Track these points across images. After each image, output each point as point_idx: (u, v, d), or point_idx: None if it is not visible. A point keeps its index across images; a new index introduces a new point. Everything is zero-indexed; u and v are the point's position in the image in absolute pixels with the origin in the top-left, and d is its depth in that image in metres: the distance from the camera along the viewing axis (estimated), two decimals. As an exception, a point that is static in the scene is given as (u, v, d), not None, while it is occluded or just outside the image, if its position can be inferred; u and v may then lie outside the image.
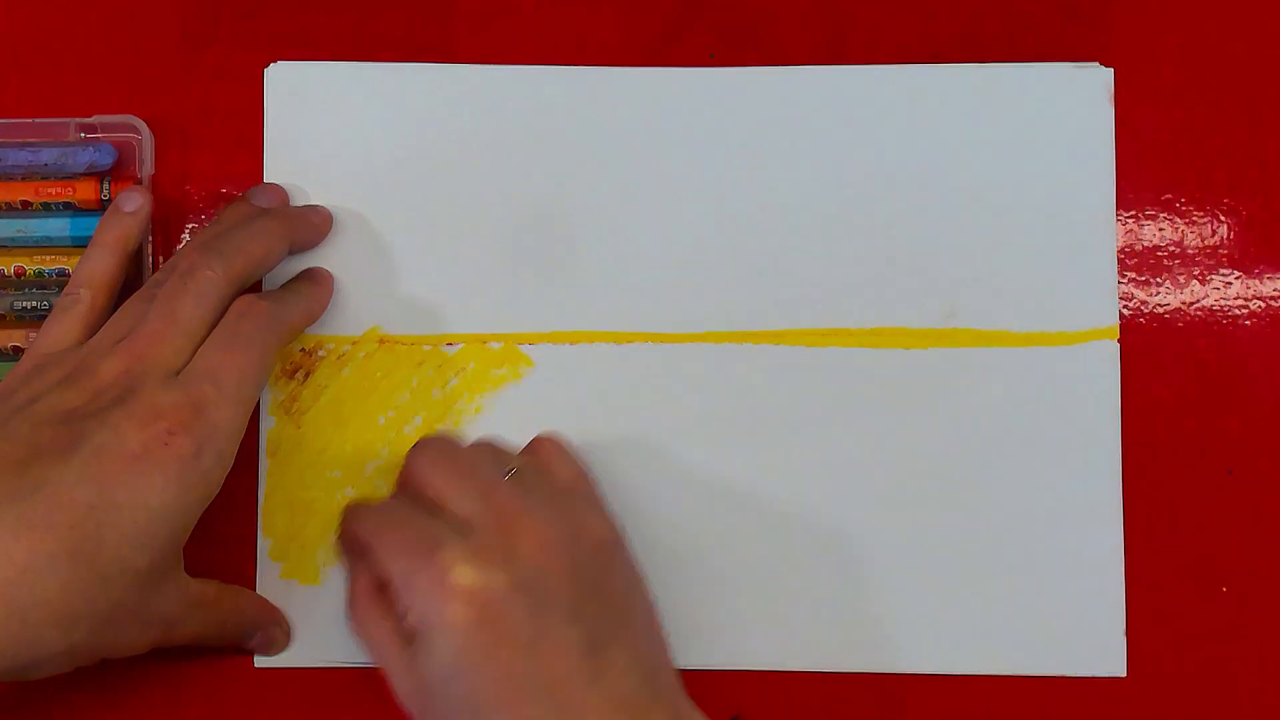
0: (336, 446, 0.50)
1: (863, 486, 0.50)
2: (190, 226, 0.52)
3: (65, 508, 0.41)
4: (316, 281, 0.50)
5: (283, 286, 0.50)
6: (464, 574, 0.42)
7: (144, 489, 0.42)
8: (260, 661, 0.50)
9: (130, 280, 0.49)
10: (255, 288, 0.49)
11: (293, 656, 0.50)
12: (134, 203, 0.49)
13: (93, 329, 0.47)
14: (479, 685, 0.41)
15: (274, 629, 0.49)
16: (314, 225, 0.50)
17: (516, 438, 0.49)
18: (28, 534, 0.40)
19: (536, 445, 0.49)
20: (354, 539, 0.46)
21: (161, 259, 0.51)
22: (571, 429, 0.50)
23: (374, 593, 0.45)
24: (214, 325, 0.45)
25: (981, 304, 0.51)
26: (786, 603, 0.50)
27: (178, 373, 0.44)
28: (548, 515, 0.44)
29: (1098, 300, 0.51)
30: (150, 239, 0.50)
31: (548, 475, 0.47)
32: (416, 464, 0.46)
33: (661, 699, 0.43)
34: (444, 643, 0.42)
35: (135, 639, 0.44)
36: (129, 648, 0.44)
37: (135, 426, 0.42)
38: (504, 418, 0.50)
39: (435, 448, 0.46)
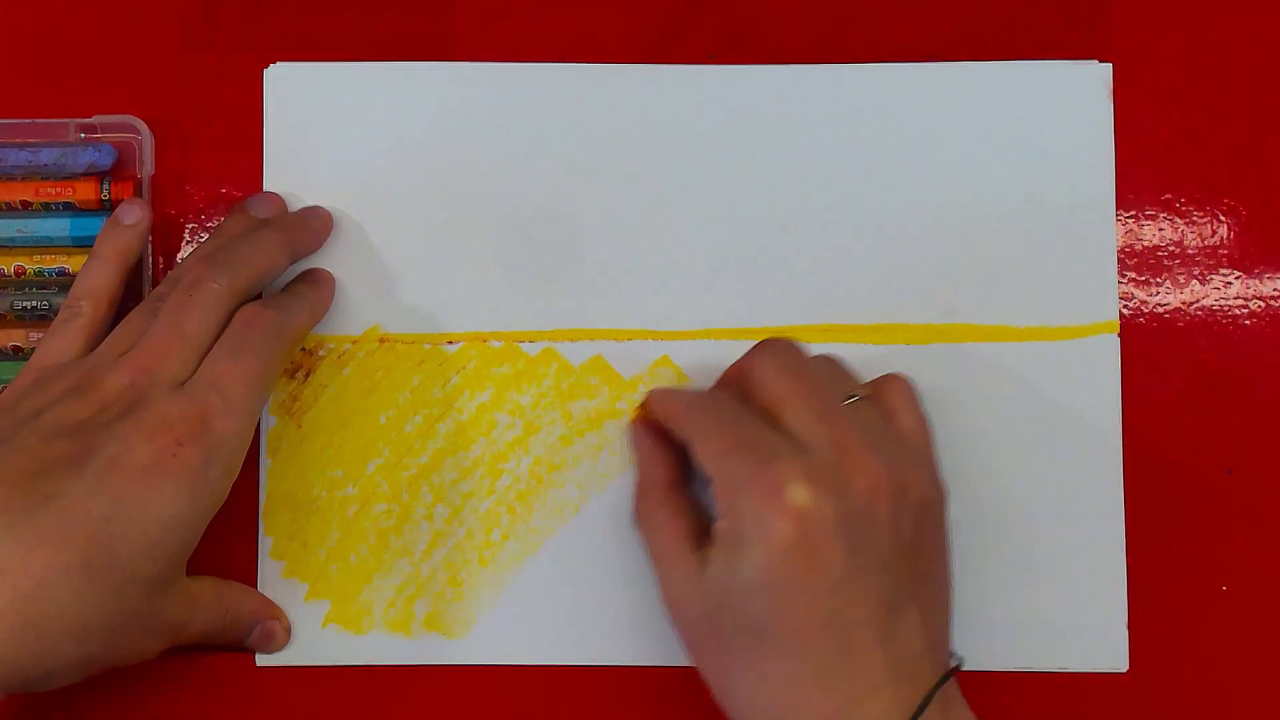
0: (337, 445, 0.50)
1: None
2: (190, 227, 0.52)
3: (79, 520, 0.41)
4: (318, 284, 0.50)
5: (284, 289, 0.50)
6: (798, 493, 0.41)
7: (155, 501, 0.42)
8: (261, 660, 0.50)
9: (130, 290, 0.49)
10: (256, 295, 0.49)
11: (293, 656, 0.50)
12: (134, 215, 0.49)
13: (94, 341, 0.47)
14: (777, 606, 0.41)
15: (273, 623, 0.49)
16: (314, 231, 0.50)
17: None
18: (43, 547, 0.41)
19: (885, 383, 0.46)
20: (661, 425, 0.46)
21: (161, 261, 0.51)
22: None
23: (667, 487, 0.45)
24: (217, 332, 0.46)
25: (982, 300, 0.51)
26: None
27: (179, 383, 0.44)
28: (883, 459, 0.43)
29: (1098, 294, 0.51)
30: (150, 241, 0.50)
31: (890, 417, 0.45)
32: (758, 366, 0.45)
33: (936, 673, 0.43)
34: (758, 555, 0.41)
35: (145, 647, 0.44)
36: (139, 655, 0.44)
37: (145, 439, 0.42)
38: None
39: (782, 353, 0.45)
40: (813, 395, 0.44)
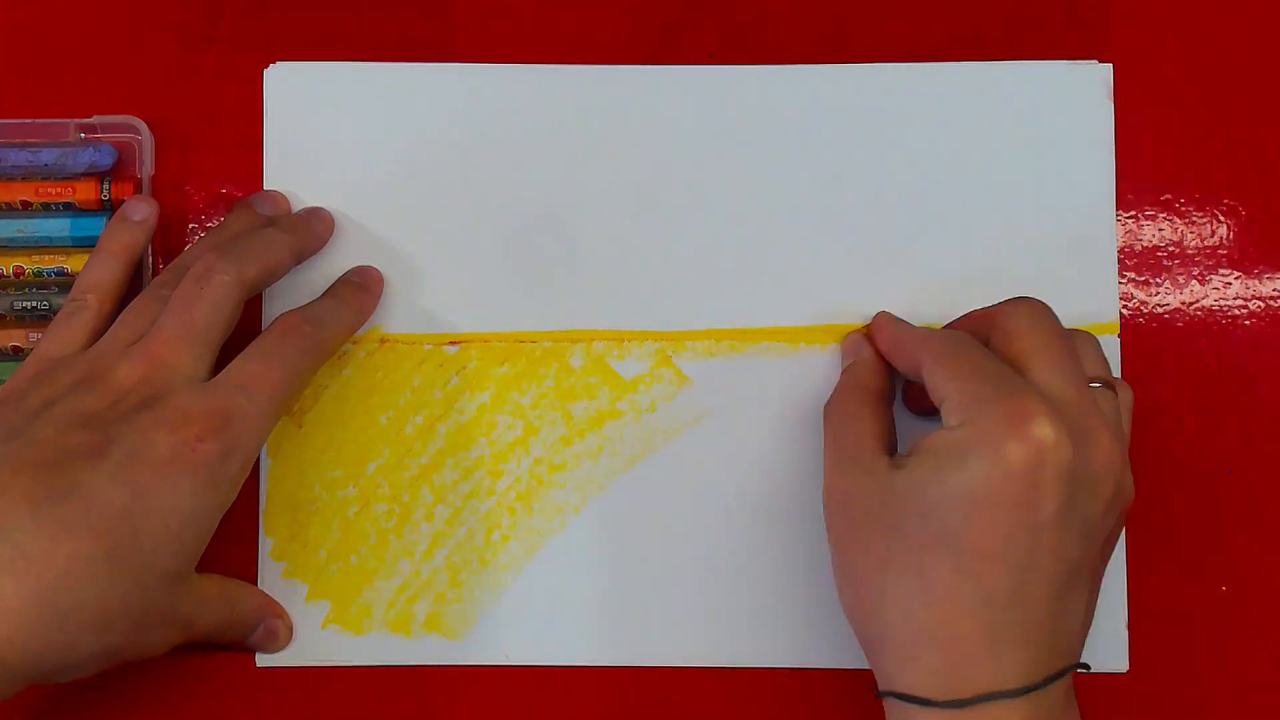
0: (338, 446, 0.50)
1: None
2: (190, 227, 0.52)
3: (101, 511, 0.41)
4: (365, 289, 0.50)
5: (329, 292, 0.50)
6: (1043, 428, 0.41)
7: (174, 493, 0.42)
8: (261, 661, 0.50)
9: (131, 289, 0.49)
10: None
11: (293, 657, 0.50)
12: (141, 212, 0.49)
13: (98, 335, 0.47)
14: (977, 522, 0.41)
15: (275, 622, 0.49)
16: (317, 234, 0.50)
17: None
18: (68, 537, 0.41)
19: (1122, 387, 0.46)
20: (887, 346, 0.47)
21: (161, 260, 0.51)
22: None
23: (874, 395, 0.46)
24: (228, 330, 0.46)
25: (983, 299, 0.51)
26: (790, 601, 0.50)
27: (198, 378, 0.45)
28: (1118, 446, 0.43)
29: (1098, 294, 0.51)
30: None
31: (1121, 418, 0.45)
32: (1012, 317, 0.45)
33: (1074, 657, 0.43)
34: (980, 469, 0.41)
35: (160, 640, 0.45)
36: (152, 648, 0.44)
37: (165, 432, 0.43)
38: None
39: (1042, 313, 0.45)
40: (1063, 358, 0.44)
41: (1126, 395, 0.46)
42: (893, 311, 0.50)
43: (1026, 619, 0.41)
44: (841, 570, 0.45)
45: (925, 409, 0.48)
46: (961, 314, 0.49)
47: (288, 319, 0.47)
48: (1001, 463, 0.41)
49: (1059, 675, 0.42)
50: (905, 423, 0.49)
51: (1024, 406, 0.41)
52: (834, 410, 0.47)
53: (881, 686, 0.44)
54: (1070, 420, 0.42)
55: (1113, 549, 0.45)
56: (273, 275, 0.48)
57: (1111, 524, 0.44)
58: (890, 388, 0.48)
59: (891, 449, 0.46)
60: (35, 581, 0.40)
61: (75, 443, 0.42)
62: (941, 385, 0.43)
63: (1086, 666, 0.44)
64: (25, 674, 0.41)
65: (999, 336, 0.45)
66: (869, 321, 0.50)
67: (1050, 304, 0.49)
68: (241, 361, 0.45)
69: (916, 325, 0.49)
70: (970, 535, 0.41)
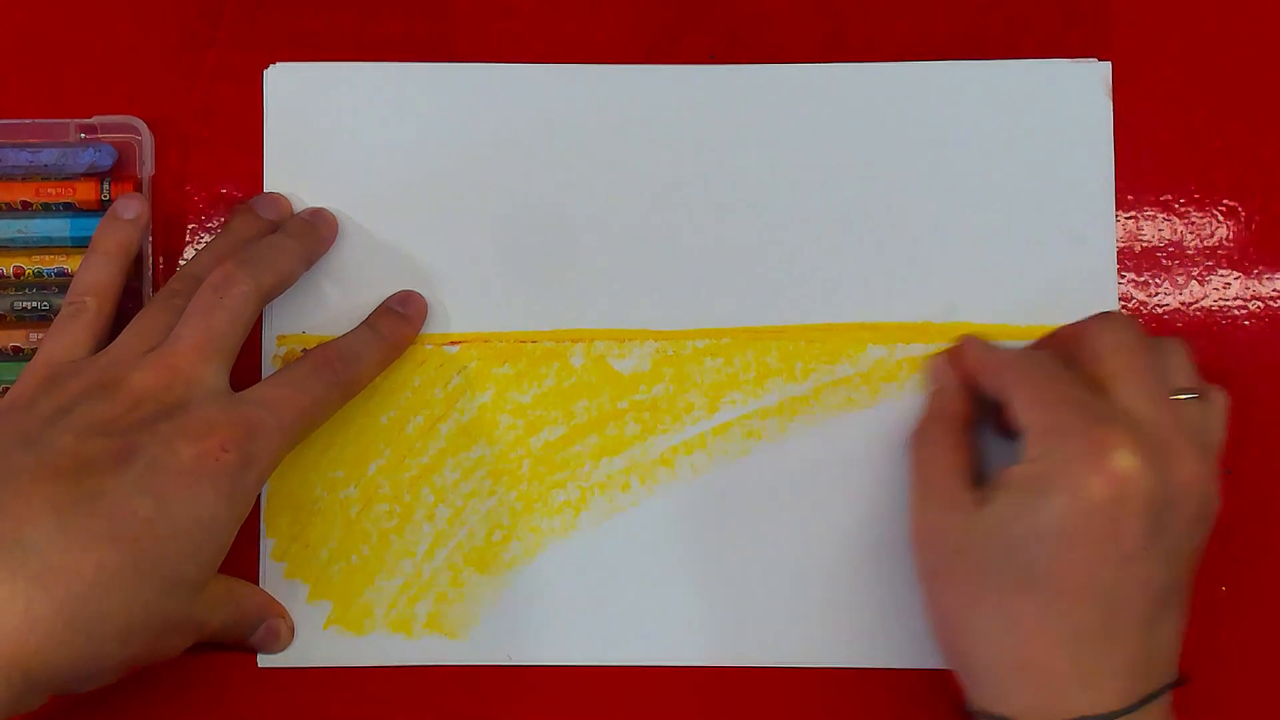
0: (339, 447, 0.50)
1: (865, 482, 0.50)
2: (190, 227, 0.52)
3: (126, 521, 0.41)
4: (406, 320, 0.50)
5: (369, 321, 0.49)
6: (1124, 459, 0.41)
7: (197, 503, 0.42)
8: (263, 662, 0.50)
9: (130, 290, 0.49)
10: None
11: (295, 657, 0.50)
12: (133, 209, 0.49)
13: (100, 337, 0.47)
14: (1061, 559, 0.41)
15: (277, 621, 0.49)
16: (324, 239, 0.50)
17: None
18: (94, 548, 0.41)
19: (1213, 392, 0.46)
20: (967, 371, 0.47)
21: (162, 261, 0.51)
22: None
23: (958, 424, 0.46)
24: (244, 340, 0.46)
25: (982, 298, 0.51)
26: (798, 600, 0.50)
27: (219, 389, 0.45)
28: (1204, 462, 0.43)
29: (1098, 294, 0.51)
30: (150, 241, 0.50)
31: (1209, 421, 0.45)
32: (1097, 336, 0.45)
33: (1170, 677, 0.43)
34: (1062, 505, 0.41)
35: (175, 645, 0.45)
36: (168, 653, 0.45)
37: (188, 441, 0.42)
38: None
39: (1126, 329, 0.45)
40: (1147, 377, 0.44)
41: (1219, 399, 0.46)
42: (892, 311, 0.50)
43: (1118, 649, 0.41)
44: (931, 606, 0.45)
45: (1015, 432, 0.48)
46: (1048, 332, 0.49)
47: (321, 354, 0.47)
48: (1082, 497, 0.41)
49: (1155, 695, 0.42)
50: (990, 446, 0.48)
51: (1104, 437, 0.41)
52: (919, 441, 0.47)
53: (972, 705, 0.44)
54: (1153, 443, 0.42)
55: (1200, 559, 0.45)
56: (286, 283, 0.48)
57: (1199, 540, 0.44)
58: (971, 414, 0.48)
59: (975, 479, 0.45)
60: (63, 593, 0.40)
61: (96, 450, 0.42)
62: (1024, 413, 0.43)
63: (1183, 681, 0.44)
64: (51, 685, 0.41)
65: (1084, 357, 0.45)
66: (954, 343, 0.50)
67: (1050, 303, 0.50)
68: (266, 385, 0.46)
69: (1003, 347, 0.48)
70: (1056, 572, 0.41)
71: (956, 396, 0.48)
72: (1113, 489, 0.41)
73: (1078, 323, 0.47)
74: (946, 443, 0.46)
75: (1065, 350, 0.46)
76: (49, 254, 0.50)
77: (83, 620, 0.40)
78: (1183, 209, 0.52)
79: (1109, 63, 0.51)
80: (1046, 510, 0.41)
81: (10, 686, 0.40)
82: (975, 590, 0.43)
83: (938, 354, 0.50)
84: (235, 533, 0.44)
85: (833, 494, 0.50)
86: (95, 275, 0.48)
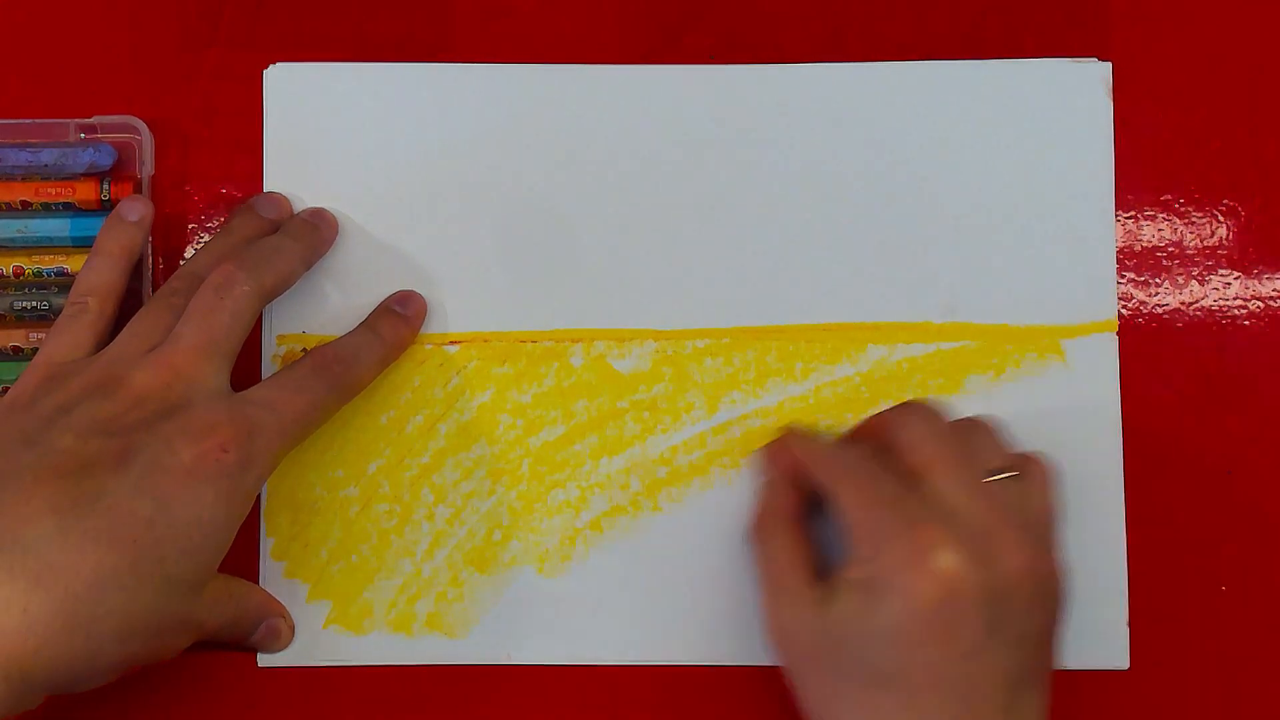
0: (339, 446, 0.50)
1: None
2: (190, 227, 0.52)
3: (126, 521, 0.41)
4: (406, 321, 0.50)
5: (368, 323, 0.49)
6: (946, 558, 0.41)
7: (196, 503, 0.42)
8: (263, 661, 0.50)
9: (130, 290, 0.49)
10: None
11: (294, 657, 0.50)
12: (137, 212, 0.49)
13: (102, 338, 0.47)
14: (907, 661, 0.41)
15: (277, 620, 0.49)
16: (325, 240, 0.50)
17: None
18: (93, 548, 0.41)
19: (1029, 464, 0.46)
20: (792, 464, 0.46)
21: (162, 262, 0.51)
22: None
23: (789, 518, 0.45)
24: (244, 337, 0.46)
25: (981, 298, 0.51)
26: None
27: (220, 389, 0.45)
28: (1029, 542, 0.43)
29: (1097, 294, 0.51)
30: (150, 240, 0.50)
31: (1029, 498, 0.45)
32: (905, 427, 0.45)
33: None
34: (896, 609, 0.41)
35: (175, 645, 0.45)
36: (167, 653, 0.45)
37: (188, 441, 0.42)
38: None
39: (931, 419, 0.45)
40: (961, 466, 0.44)
41: (1037, 471, 0.46)
42: (891, 311, 0.50)
43: None
44: (798, 695, 0.45)
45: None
46: (859, 422, 0.49)
47: (320, 355, 0.47)
48: (913, 601, 0.41)
49: None
50: (832, 531, 0.46)
51: (923, 538, 0.42)
52: (757, 536, 0.47)
53: None
54: (973, 534, 0.42)
55: (1060, 631, 0.45)
56: (286, 284, 0.48)
57: (1044, 619, 0.43)
58: (802, 506, 0.48)
59: (820, 567, 0.45)
60: (62, 592, 0.40)
61: (96, 450, 0.42)
62: (847, 512, 0.44)
63: None
64: (49, 684, 0.41)
65: (897, 448, 0.45)
66: (778, 434, 0.49)
67: (1049, 303, 0.50)
68: (267, 385, 0.46)
69: (822, 439, 0.48)
70: (905, 670, 0.42)
71: (785, 490, 0.48)
72: (941, 590, 0.41)
73: (885, 412, 0.47)
74: (783, 539, 0.46)
75: (879, 440, 0.46)
76: (49, 254, 0.50)
77: (82, 620, 0.40)
78: (1183, 209, 0.52)
79: (1109, 63, 0.51)
80: (883, 614, 0.42)
81: (9, 686, 0.40)
82: (835, 686, 0.43)
83: (763, 446, 0.50)
84: (235, 533, 0.44)
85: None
86: (98, 277, 0.48)
